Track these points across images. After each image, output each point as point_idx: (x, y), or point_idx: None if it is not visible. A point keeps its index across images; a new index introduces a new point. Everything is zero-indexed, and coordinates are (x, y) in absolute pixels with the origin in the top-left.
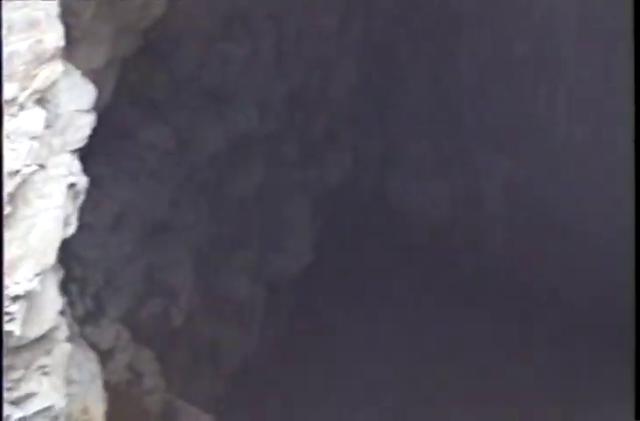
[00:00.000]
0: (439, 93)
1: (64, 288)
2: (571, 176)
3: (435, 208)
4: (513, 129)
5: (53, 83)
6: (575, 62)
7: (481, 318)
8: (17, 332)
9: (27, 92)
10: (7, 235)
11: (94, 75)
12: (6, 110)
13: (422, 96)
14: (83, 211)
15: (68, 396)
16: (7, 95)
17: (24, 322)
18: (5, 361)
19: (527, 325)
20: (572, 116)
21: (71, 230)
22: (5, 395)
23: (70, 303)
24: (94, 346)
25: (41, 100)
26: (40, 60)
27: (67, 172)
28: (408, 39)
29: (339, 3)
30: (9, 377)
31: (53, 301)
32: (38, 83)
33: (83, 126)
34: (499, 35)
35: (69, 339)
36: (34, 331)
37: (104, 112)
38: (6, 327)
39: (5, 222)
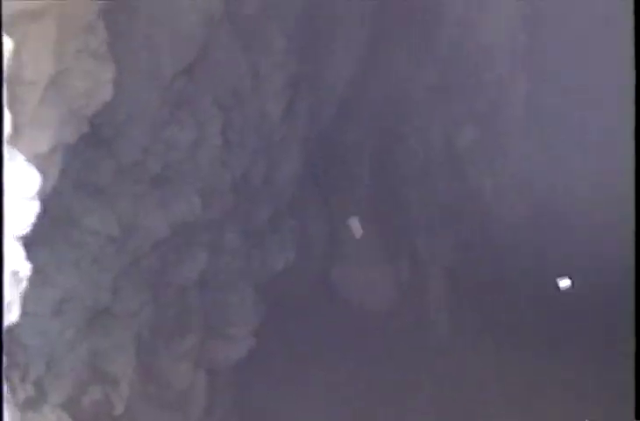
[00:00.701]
0: (384, 178)
1: (5, 374)
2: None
3: (379, 293)
4: (457, 212)
5: None
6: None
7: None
8: None
9: None
10: None
11: (38, 161)
12: None
13: (366, 183)
14: (26, 298)
15: None
16: None
17: None
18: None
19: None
20: (510, 199)
21: (13, 317)
22: None
23: (12, 390)
24: None
25: None
26: None
27: (10, 259)
28: (354, 126)
29: (286, 90)
30: None
31: None
32: None
33: (27, 213)
34: (447, 119)
35: None
36: None
37: (48, 198)
38: None
39: None
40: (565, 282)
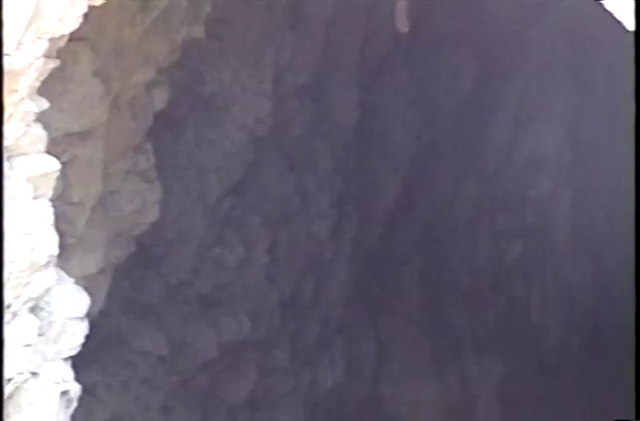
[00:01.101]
0: (431, 297)
1: None
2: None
3: (427, 410)
4: (505, 330)
5: (47, 291)
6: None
7: None
8: None
9: (21, 300)
10: None
11: (87, 282)
12: None
13: (414, 302)
14: (75, 419)
15: None
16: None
17: None
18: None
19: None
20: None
21: None
22: None
23: None
24: None
25: (34, 307)
26: (34, 267)
27: (59, 379)
28: (400, 245)
29: (332, 209)
30: None
31: None
32: (31, 291)
33: (77, 334)
34: (493, 235)
35: None
36: None
37: (97, 319)
38: None
39: None
40: None
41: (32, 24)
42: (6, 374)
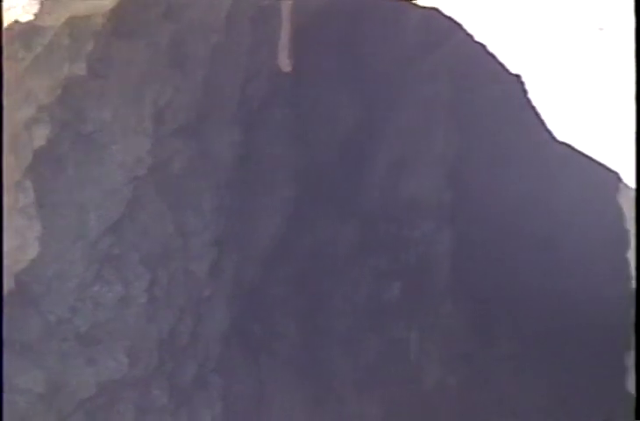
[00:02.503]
0: (310, 336)
1: None
2: None
3: None
4: (384, 371)
5: None
6: None
7: None
8: None
9: None
10: None
11: None
12: None
13: (292, 341)
14: None
15: None
16: None
17: None
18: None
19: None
20: None
21: None
22: None
23: None
24: None
25: None
26: None
27: None
28: (279, 284)
29: (212, 247)
30: None
31: None
32: None
33: None
34: (373, 275)
35: None
36: None
37: None
38: None
39: None
40: None
41: None
42: None
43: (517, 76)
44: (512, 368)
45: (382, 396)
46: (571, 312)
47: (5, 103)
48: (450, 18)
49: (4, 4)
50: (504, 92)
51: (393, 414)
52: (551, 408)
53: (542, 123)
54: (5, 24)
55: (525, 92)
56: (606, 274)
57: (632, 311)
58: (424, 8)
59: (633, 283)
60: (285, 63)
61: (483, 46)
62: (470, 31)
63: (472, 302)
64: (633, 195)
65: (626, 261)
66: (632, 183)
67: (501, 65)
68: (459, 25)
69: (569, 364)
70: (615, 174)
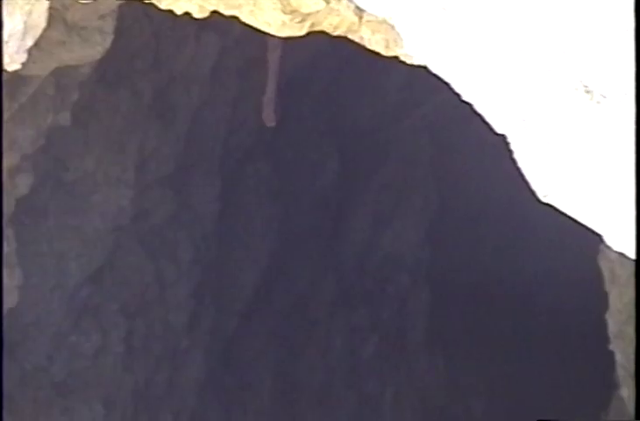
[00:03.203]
0: (283, 393)
1: None
2: None
3: None
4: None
5: None
6: None
7: None
8: None
9: None
10: None
11: None
12: None
13: (266, 396)
14: None
15: None
16: None
17: None
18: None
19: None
20: None
21: None
22: None
23: None
24: None
25: None
26: None
27: None
28: (255, 338)
29: (190, 299)
30: None
31: None
32: None
33: None
34: (349, 331)
35: None
36: None
37: None
38: None
39: None
40: None
41: None
42: None
43: (503, 136)
44: None
45: None
46: (547, 369)
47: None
48: (436, 76)
49: None
50: (484, 151)
51: None
52: None
53: (525, 183)
54: None
55: (510, 152)
56: (583, 335)
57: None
58: (412, 65)
59: (610, 345)
60: (270, 118)
61: (470, 106)
62: (457, 90)
63: (448, 358)
64: (613, 257)
65: (604, 323)
66: (614, 245)
67: (487, 124)
68: (447, 84)
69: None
70: (598, 236)
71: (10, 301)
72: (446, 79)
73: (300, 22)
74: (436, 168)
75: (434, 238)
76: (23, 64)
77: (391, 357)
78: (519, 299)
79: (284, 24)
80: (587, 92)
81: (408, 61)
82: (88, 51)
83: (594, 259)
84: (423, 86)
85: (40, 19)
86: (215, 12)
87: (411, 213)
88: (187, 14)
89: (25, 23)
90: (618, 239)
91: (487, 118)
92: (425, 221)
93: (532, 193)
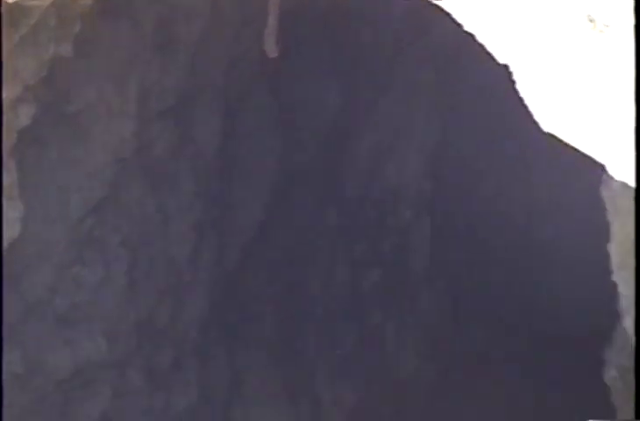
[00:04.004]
0: (285, 323)
1: None
2: None
3: None
4: (358, 359)
5: None
6: None
7: None
8: None
9: None
10: None
11: None
12: None
13: (268, 328)
14: None
15: None
16: None
17: None
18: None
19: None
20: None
21: None
22: None
23: None
24: None
25: None
26: None
27: None
28: (257, 271)
29: (191, 233)
30: None
31: None
32: None
33: None
34: (350, 262)
35: None
36: None
37: None
38: None
39: None
40: None
41: None
42: None
43: (505, 66)
44: (485, 355)
45: (356, 384)
46: (548, 302)
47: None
48: (437, 6)
49: None
50: (489, 82)
51: (365, 402)
52: (523, 393)
53: (528, 113)
54: None
55: (513, 82)
56: (585, 266)
57: (613, 303)
58: None
59: (613, 276)
60: (272, 49)
61: (472, 36)
62: (459, 20)
63: (450, 289)
64: (615, 186)
65: (606, 254)
66: (616, 175)
67: (490, 55)
68: (449, 15)
69: (544, 353)
70: (601, 165)
71: (12, 232)
72: (448, 9)
73: None
74: (438, 100)
75: (435, 170)
76: None
77: (392, 289)
78: (520, 230)
79: None
80: (591, 21)
81: None
82: None
83: (597, 190)
84: (424, 17)
85: None
86: None
87: (413, 145)
88: None
89: None
90: (620, 169)
91: (490, 48)
92: (427, 153)
93: (535, 123)
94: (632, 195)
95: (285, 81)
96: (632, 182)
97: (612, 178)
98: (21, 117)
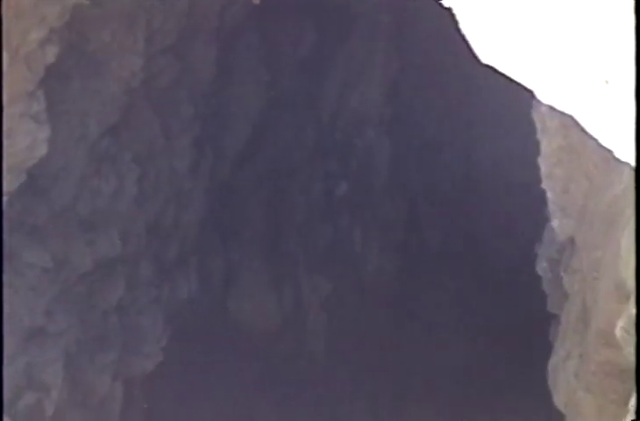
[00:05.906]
0: (273, 224)
1: None
2: None
3: (266, 318)
4: (331, 253)
5: None
6: None
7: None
8: None
9: None
10: None
11: None
12: None
13: (258, 227)
14: None
15: None
16: None
17: None
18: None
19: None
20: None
21: None
22: None
23: None
24: None
25: None
26: None
27: None
28: (248, 180)
29: (191, 149)
30: None
31: None
32: None
33: None
34: (325, 176)
35: None
36: None
37: None
38: None
39: None
40: None
41: None
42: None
43: (449, 9)
44: (438, 255)
45: (329, 276)
46: (490, 205)
47: (22, 25)
48: None
49: None
50: (437, 25)
51: (337, 291)
52: (473, 281)
53: (470, 48)
54: None
55: (456, 23)
56: (517, 179)
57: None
58: None
59: (542, 184)
60: None
61: None
62: None
63: (408, 199)
64: (544, 110)
65: (536, 166)
66: (544, 99)
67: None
68: None
69: (484, 248)
70: (530, 92)
71: (40, 151)
72: None
73: None
74: (396, 37)
75: (395, 97)
76: None
77: (359, 198)
78: (464, 146)
79: None
80: None
81: None
82: None
83: (528, 113)
84: None
85: None
86: None
87: (375, 76)
88: None
89: None
90: (547, 94)
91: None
92: (388, 83)
93: (475, 57)
94: (558, 116)
95: (269, 21)
96: (558, 106)
97: (540, 102)
98: (48, 55)
